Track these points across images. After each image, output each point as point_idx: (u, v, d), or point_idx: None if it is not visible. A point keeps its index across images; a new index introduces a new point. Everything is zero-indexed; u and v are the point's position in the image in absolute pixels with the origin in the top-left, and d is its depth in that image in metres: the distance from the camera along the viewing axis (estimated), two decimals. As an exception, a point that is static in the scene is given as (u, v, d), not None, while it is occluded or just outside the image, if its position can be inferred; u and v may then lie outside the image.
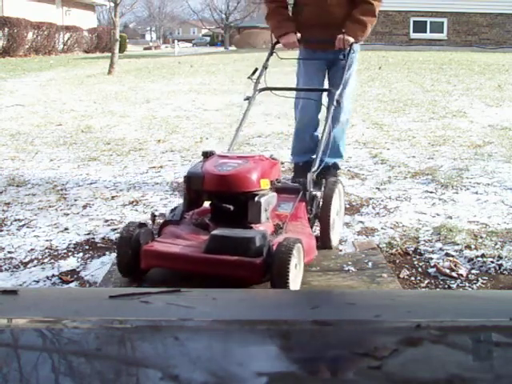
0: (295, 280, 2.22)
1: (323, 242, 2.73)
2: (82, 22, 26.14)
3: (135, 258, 2.34)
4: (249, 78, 3.31)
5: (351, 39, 3.42)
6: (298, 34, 3.55)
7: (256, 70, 3.29)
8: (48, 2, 24.72)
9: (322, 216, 2.74)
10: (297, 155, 3.96)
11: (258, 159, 2.53)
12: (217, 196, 2.45)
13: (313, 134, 3.80)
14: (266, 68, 3.40)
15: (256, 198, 2.39)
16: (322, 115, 3.66)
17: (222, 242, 2.24)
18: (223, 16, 51.67)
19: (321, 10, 3.50)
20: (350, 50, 3.41)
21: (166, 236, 2.43)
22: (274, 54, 3.52)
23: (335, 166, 3.91)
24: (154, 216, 2.65)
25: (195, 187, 2.45)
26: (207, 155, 2.54)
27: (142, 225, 2.44)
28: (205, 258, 2.24)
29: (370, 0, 3.51)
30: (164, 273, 2.49)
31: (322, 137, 3.06)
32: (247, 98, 3.31)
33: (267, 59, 3.45)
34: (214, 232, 2.30)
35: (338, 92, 3.18)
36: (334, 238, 2.81)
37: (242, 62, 15.14)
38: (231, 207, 2.39)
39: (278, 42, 3.61)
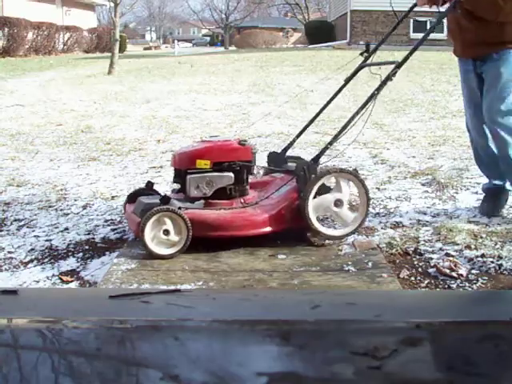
0: (156, 242, 2.69)
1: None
2: (82, 22, 26.12)
3: None
4: (361, 54, 3.22)
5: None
6: None
7: (368, 45, 3.21)
8: (48, 2, 24.71)
9: (300, 201, 2.83)
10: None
11: (213, 143, 2.95)
12: (174, 172, 3.00)
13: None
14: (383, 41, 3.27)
15: (188, 176, 2.86)
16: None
17: (136, 205, 2.87)
18: (223, 16, 51.65)
19: None
20: None
21: None
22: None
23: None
24: (150, 184, 3.08)
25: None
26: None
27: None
28: (127, 214, 2.97)
29: None
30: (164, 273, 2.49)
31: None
32: (349, 79, 3.22)
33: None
34: (139, 197, 2.91)
35: None
36: (316, 223, 2.84)
37: (242, 62, 15.15)
38: (179, 182, 2.96)
39: None
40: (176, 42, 34.69)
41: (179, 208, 2.75)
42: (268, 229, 2.81)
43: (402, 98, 8.08)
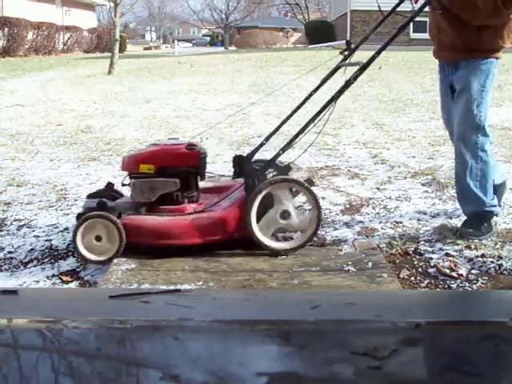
0: (88, 247, 2.69)
1: None
2: (82, 22, 26.11)
3: None
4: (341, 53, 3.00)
5: None
6: None
7: (349, 42, 2.97)
8: (48, 1, 24.70)
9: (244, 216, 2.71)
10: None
11: (160, 147, 2.91)
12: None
13: None
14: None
15: (132, 180, 2.84)
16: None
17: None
18: (223, 16, 51.64)
19: None
20: None
21: None
22: None
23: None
24: (111, 185, 3.02)
25: None
26: None
27: None
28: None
29: None
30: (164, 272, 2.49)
31: None
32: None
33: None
34: (85, 200, 2.97)
35: None
36: (261, 236, 2.72)
37: (241, 62, 15.14)
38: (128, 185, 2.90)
39: None
40: (176, 41, 34.67)
41: (120, 213, 2.71)
42: (209, 238, 2.72)
43: (401, 98, 8.08)
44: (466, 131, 2.84)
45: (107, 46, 23.28)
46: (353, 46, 2.94)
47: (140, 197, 2.80)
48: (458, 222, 3.16)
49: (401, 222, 3.22)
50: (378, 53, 2.84)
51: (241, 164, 2.87)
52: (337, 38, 22.14)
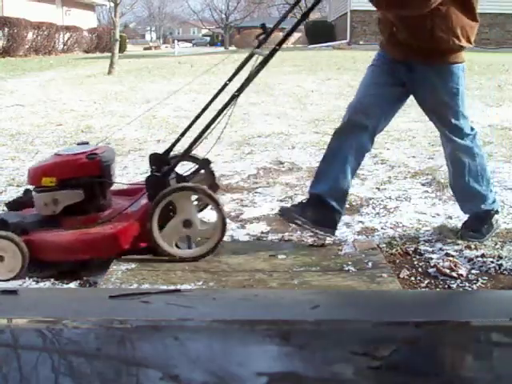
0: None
1: None
2: (81, 22, 26.11)
3: None
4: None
5: None
6: None
7: (264, 26, 2.82)
8: (48, 1, 24.70)
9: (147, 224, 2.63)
10: None
11: (60, 158, 2.79)
12: None
13: None
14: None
15: (35, 194, 2.78)
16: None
17: None
18: (223, 16, 51.63)
19: None
20: None
21: None
22: None
23: None
24: (29, 192, 2.89)
25: None
26: None
27: None
28: None
29: None
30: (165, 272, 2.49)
31: None
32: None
33: None
34: None
35: None
36: (165, 245, 2.65)
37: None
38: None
39: None
40: (176, 41, 34.68)
41: (23, 230, 2.64)
42: (114, 250, 2.66)
43: (401, 98, 8.06)
44: (456, 133, 2.76)
45: (107, 46, 23.27)
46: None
47: (44, 210, 2.74)
48: (458, 222, 3.16)
49: (401, 222, 3.22)
50: (280, 44, 2.72)
51: (157, 162, 2.81)
52: (337, 38, 22.14)
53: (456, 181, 2.89)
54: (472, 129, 2.80)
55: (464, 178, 2.81)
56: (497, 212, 2.96)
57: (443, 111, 2.75)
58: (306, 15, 2.88)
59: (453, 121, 2.74)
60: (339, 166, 2.73)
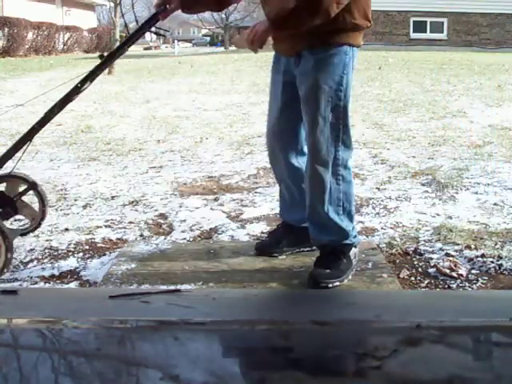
0: None
1: None
2: (81, 22, 26.12)
3: None
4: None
5: None
6: None
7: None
8: (48, 1, 24.71)
9: None
10: None
11: None
12: None
13: None
14: None
15: None
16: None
17: None
18: (223, 16, 51.62)
19: None
20: None
21: None
22: None
23: None
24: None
25: None
26: None
27: None
28: None
29: None
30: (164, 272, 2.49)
31: None
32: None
33: None
34: None
35: None
36: None
37: (241, 62, 15.14)
38: None
39: None
40: (176, 41, 34.68)
41: None
42: None
43: (401, 98, 8.08)
44: (321, 144, 2.19)
45: (107, 46, 23.27)
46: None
47: None
48: (457, 222, 3.16)
49: (401, 222, 3.22)
50: (119, 51, 2.55)
51: None
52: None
53: (311, 205, 2.36)
54: (349, 146, 2.26)
55: (323, 204, 2.29)
56: (356, 246, 2.44)
57: (323, 110, 2.19)
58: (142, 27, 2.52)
59: (333, 125, 2.19)
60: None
